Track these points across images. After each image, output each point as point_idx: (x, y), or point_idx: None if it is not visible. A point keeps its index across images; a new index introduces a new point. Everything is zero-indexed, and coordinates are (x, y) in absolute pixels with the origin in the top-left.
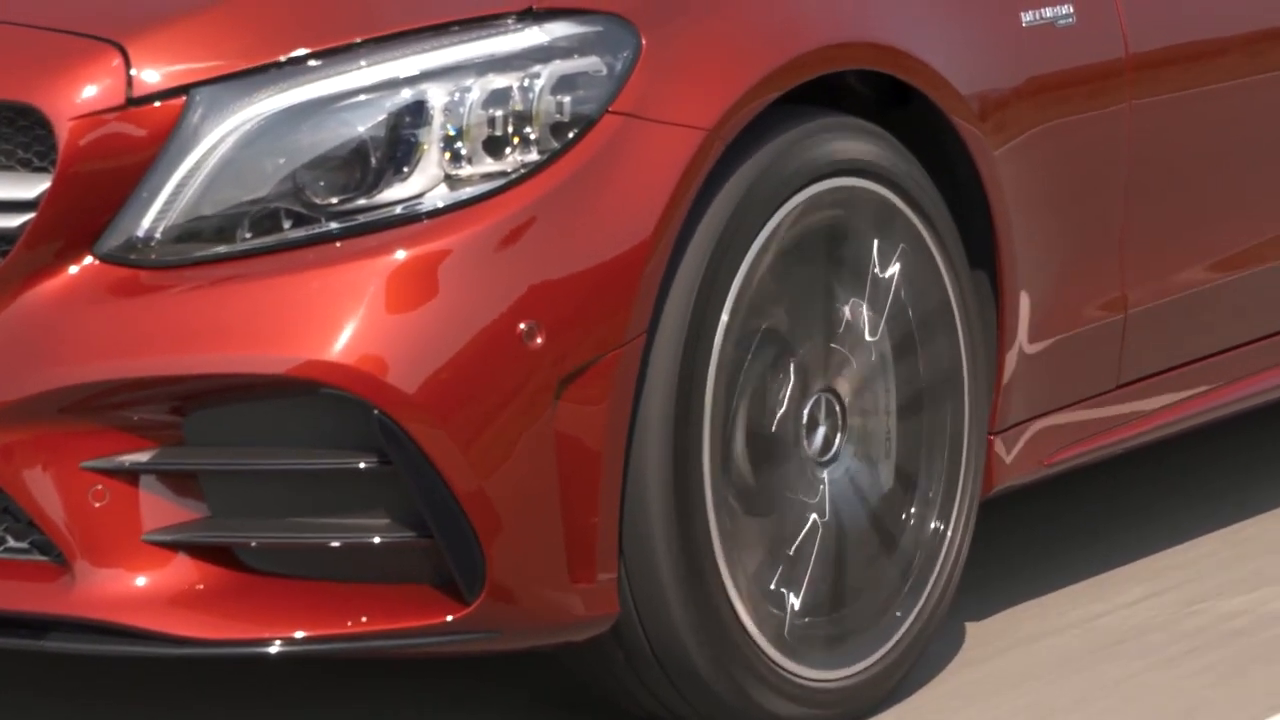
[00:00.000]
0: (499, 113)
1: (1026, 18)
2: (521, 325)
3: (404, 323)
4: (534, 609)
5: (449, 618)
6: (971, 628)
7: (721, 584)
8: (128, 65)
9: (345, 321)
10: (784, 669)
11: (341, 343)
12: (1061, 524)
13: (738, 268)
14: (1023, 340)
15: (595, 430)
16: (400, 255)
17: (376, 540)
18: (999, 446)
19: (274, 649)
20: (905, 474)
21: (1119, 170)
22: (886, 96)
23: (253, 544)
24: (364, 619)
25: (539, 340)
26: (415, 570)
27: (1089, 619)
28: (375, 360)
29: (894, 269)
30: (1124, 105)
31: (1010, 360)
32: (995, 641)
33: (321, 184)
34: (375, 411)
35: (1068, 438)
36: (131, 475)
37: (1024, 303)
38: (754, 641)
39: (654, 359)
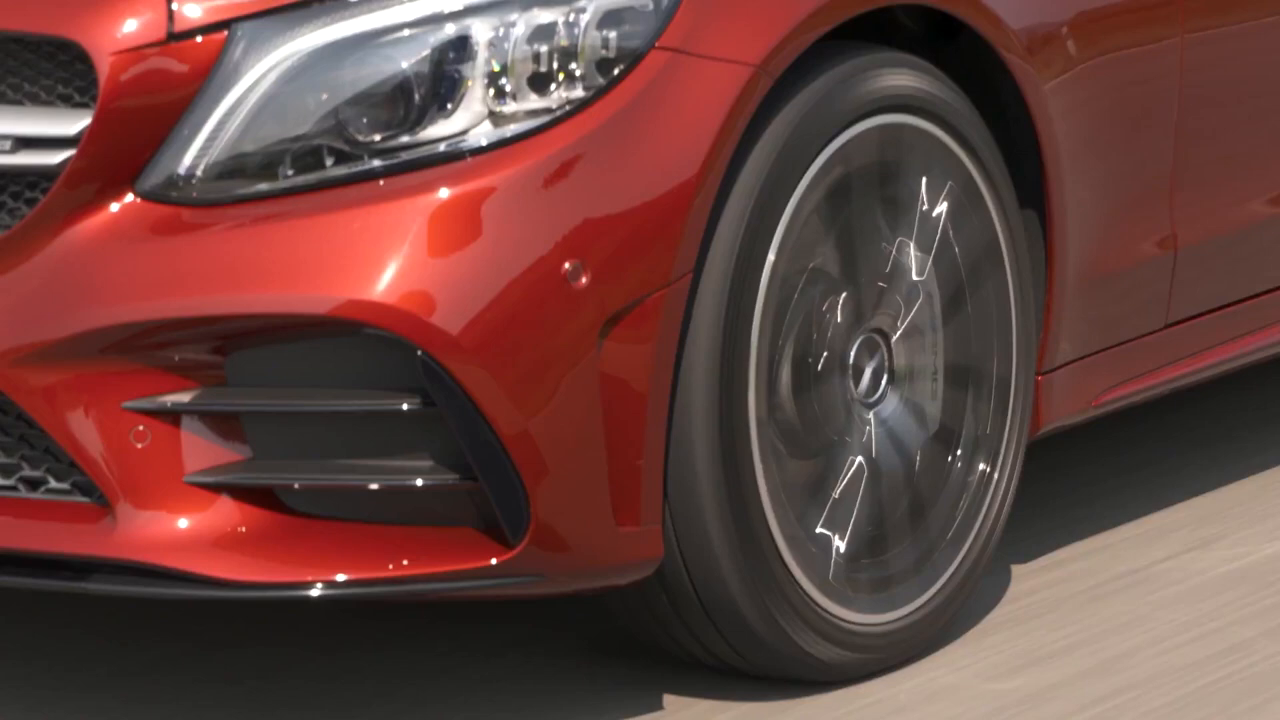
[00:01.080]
0: (544, 48)
1: None
2: (567, 264)
3: (447, 262)
4: (578, 552)
5: (493, 561)
6: (1017, 570)
7: (767, 527)
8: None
9: (388, 261)
10: (829, 613)
11: (384, 282)
12: (1107, 465)
13: (785, 206)
14: (1071, 279)
15: (641, 371)
16: (444, 193)
17: (419, 482)
18: (1047, 387)
19: (316, 591)
20: (952, 415)
21: (1170, 105)
22: (935, 32)
23: (295, 486)
24: (407, 562)
25: (584, 279)
26: (459, 513)
27: (1135, 562)
28: (418, 300)
29: (942, 207)
30: (1175, 39)
31: (1059, 300)
32: (1041, 584)
33: (364, 120)
34: (419, 352)
35: (1116, 378)
36: (173, 416)
37: (1073, 241)
38: (799, 585)
39: (700, 298)
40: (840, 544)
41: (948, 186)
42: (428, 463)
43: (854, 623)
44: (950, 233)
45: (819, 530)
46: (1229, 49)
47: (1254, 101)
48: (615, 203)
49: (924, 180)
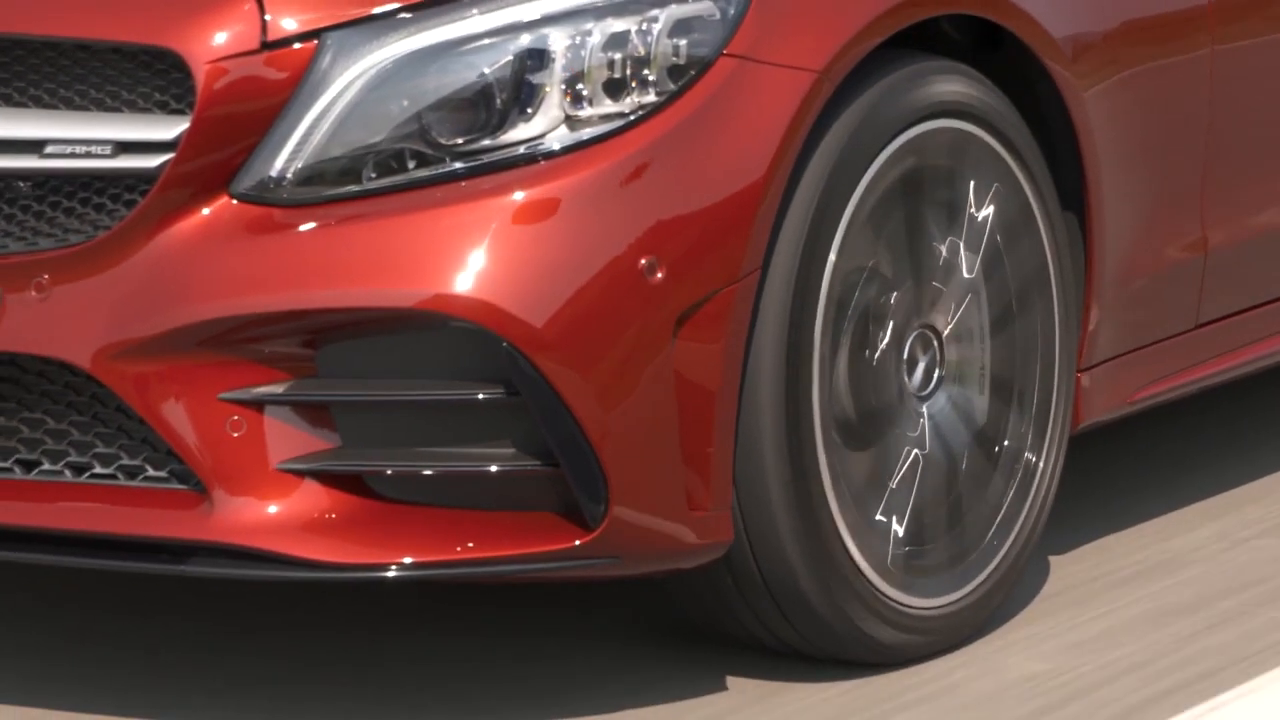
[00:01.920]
0: (618, 56)
1: None
2: (643, 261)
3: (530, 258)
4: (654, 536)
5: (576, 543)
6: (1055, 561)
7: (829, 513)
8: (261, 10)
9: (473, 257)
10: (887, 596)
11: (470, 277)
12: (1142, 460)
13: (845, 206)
14: (1109, 280)
15: (712, 362)
16: (525, 193)
17: (502, 469)
18: (1086, 383)
19: (406, 572)
20: (999, 408)
21: (1200, 114)
22: (979, 42)
23: (388, 472)
24: (486, 544)
25: (660, 275)
26: (538, 498)
27: (1170, 553)
28: (503, 294)
29: (989, 209)
30: (1206, 50)
31: (1097, 300)
32: (1078, 574)
33: (447, 125)
34: (504, 344)
35: (1150, 376)
36: (266, 406)
37: (1110, 244)
38: (860, 569)
39: (766, 296)
40: (898, 530)
41: (993, 189)
42: (509, 450)
43: (911, 606)
44: (997, 233)
45: (878, 517)
46: (1255, 60)
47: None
48: (687, 202)
49: (972, 183)
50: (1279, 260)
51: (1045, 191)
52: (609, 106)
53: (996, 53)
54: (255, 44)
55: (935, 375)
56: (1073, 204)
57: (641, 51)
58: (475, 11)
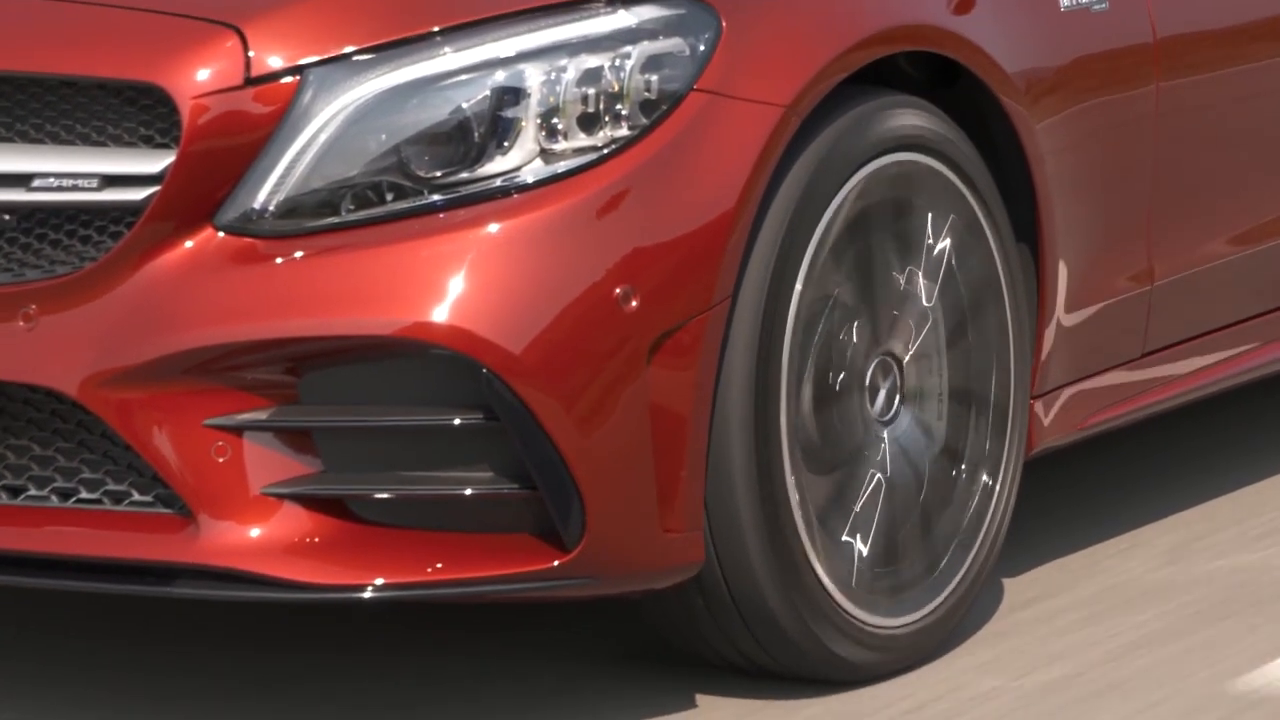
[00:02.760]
0: (592, 91)
1: (1064, 2)
2: (618, 290)
3: (508, 287)
4: (629, 557)
5: (555, 563)
6: (1008, 583)
7: (797, 535)
8: (245, 47)
9: (451, 286)
10: (853, 616)
11: (448, 305)
12: (1089, 484)
13: (810, 238)
14: (1060, 309)
15: (685, 388)
16: (502, 225)
17: (480, 492)
18: (1039, 409)
19: (382, 593)
20: (956, 432)
21: (1146, 149)
22: (936, 77)
23: (375, 496)
24: (465, 566)
25: (634, 304)
26: (516, 521)
27: (1125, 575)
28: (482, 322)
29: (946, 240)
30: (1151, 87)
31: (1049, 328)
32: (1029, 595)
33: (426, 158)
34: (483, 370)
35: (1100, 402)
36: (250, 432)
37: (1061, 274)
38: (826, 589)
39: (736, 324)
40: (863, 551)
41: (950, 220)
42: (488, 473)
43: (875, 625)
44: (954, 263)
45: (843, 539)
46: (1198, 96)
47: (1223, 144)
48: (660, 233)
49: (930, 215)
50: (1222, 291)
51: (999, 222)
52: (583, 140)
53: (952, 87)
54: (239, 80)
55: (896, 401)
56: (1025, 234)
57: (615, 87)
58: (448, 49)
